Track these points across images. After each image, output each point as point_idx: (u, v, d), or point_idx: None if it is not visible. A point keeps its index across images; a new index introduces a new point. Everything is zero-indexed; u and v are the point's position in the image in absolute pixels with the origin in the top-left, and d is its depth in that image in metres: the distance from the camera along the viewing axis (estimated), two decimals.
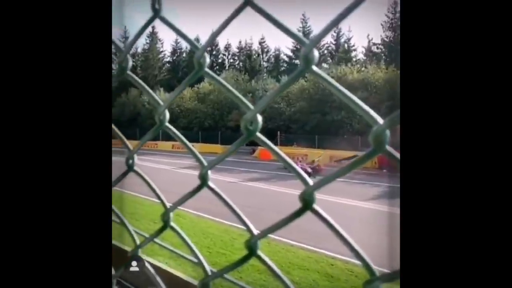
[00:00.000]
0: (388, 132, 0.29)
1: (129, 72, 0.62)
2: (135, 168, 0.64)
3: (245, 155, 18.21)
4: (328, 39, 33.11)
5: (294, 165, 0.39)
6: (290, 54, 34.02)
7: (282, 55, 35.41)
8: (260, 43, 35.62)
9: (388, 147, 0.30)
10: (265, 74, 32.74)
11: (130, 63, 0.62)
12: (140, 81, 0.62)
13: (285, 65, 35.05)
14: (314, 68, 0.33)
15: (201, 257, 0.53)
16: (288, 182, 10.57)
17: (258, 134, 0.41)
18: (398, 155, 0.30)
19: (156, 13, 0.52)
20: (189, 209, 7.01)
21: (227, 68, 34.56)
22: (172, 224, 0.59)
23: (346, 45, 30.97)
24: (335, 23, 0.34)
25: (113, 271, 0.76)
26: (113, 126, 0.66)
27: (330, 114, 21.32)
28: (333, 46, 32.78)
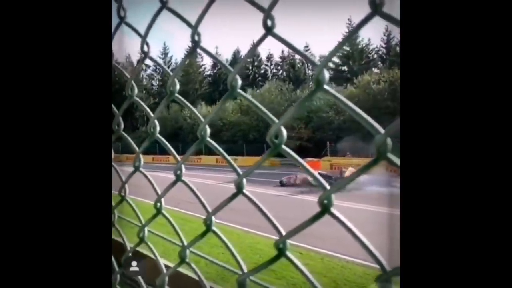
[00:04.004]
0: (389, 140, 0.32)
1: (177, 95, 0.71)
2: (183, 178, 0.72)
3: (293, 167, 17.92)
4: (378, 43, 31.67)
5: (315, 173, 0.43)
6: (337, 60, 33.12)
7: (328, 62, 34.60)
8: (304, 51, 35.08)
9: (389, 155, 0.32)
10: (310, 83, 32.29)
11: (178, 87, 0.71)
12: (187, 102, 0.71)
13: (332, 72, 34.21)
14: (326, 87, 0.37)
15: (237, 256, 0.58)
16: (337, 195, 10.08)
17: (283, 147, 0.46)
18: (398, 161, 0.32)
19: (196, 44, 0.61)
20: (236, 224, 6.71)
21: (270, 78, 34.62)
22: (214, 228, 0.65)
23: (397, 47, 29.21)
24: (343, 43, 0.38)
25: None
26: (163, 139, 0.75)
27: (382, 122, 20.03)
28: (384, 50, 31.24)
